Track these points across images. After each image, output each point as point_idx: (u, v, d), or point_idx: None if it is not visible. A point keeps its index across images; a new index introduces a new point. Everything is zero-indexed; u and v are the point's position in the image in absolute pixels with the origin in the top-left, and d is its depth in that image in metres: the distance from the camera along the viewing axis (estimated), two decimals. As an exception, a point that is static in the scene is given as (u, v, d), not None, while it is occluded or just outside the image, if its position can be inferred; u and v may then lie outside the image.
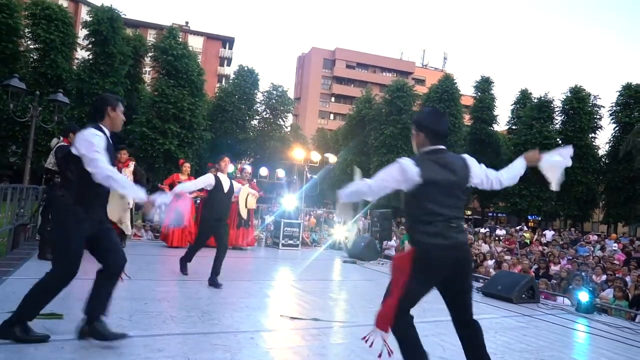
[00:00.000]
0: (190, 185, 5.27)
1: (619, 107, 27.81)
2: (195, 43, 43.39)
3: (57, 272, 2.81)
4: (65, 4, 28.22)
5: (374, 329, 2.22)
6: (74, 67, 24.37)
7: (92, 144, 2.70)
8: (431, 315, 4.44)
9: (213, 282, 4.97)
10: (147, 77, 31.41)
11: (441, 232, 2.20)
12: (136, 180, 7.59)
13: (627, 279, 8.48)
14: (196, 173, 18.72)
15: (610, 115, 28.34)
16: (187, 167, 8.59)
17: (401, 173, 2.24)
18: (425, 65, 59.20)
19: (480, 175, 2.43)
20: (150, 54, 27.60)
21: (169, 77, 25.39)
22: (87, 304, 2.84)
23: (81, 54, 25.72)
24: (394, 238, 12.09)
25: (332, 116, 53.87)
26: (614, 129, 28.20)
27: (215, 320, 3.61)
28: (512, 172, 2.57)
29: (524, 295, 5.46)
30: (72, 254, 2.82)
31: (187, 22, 51.43)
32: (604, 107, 29.35)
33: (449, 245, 2.20)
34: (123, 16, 24.36)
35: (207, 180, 5.21)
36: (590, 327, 4.52)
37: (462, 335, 2.35)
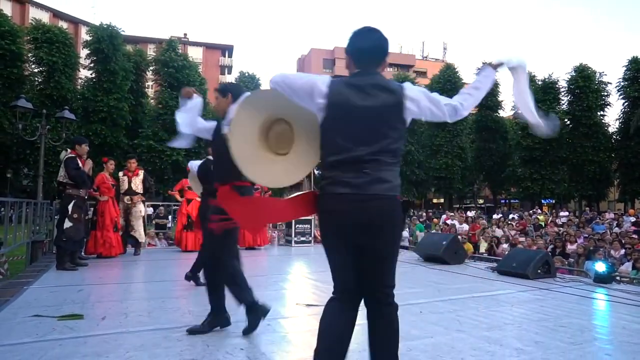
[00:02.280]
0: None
1: (626, 82, 27.43)
2: (194, 54, 43.74)
3: None
4: (65, 26, 28.65)
5: None
6: (78, 87, 24.79)
7: None
8: (446, 295, 4.47)
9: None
10: (150, 91, 31.77)
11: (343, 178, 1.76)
12: (145, 188, 7.73)
13: (646, 251, 8.38)
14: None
15: (618, 91, 27.97)
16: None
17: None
18: (426, 57, 58.96)
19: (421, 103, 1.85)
20: (151, 68, 27.97)
21: (171, 89, 25.68)
22: None
23: (84, 74, 26.12)
24: (407, 228, 12.07)
25: (336, 116, 53.82)
26: (623, 104, 27.86)
27: (232, 312, 3.64)
28: (476, 90, 1.99)
29: (539, 271, 5.42)
30: None
31: (185, 34, 51.89)
32: (610, 83, 29.02)
33: (351, 195, 1.74)
34: (122, 33, 24.69)
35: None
36: (609, 296, 4.48)
37: (368, 317, 1.91)
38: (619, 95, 27.94)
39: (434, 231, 13.40)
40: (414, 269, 6.27)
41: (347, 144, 1.76)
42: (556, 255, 9.13)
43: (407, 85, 1.86)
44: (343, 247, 1.83)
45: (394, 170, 1.81)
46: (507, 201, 37.24)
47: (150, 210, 15.51)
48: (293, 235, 9.13)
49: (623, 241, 9.70)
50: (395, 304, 1.90)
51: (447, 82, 30.49)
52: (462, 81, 31.45)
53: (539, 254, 5.70)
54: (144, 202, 7.89)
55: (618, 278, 5.88)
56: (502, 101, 31.95)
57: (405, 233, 11.57)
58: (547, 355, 2.63)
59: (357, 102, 1.75)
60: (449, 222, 14.26)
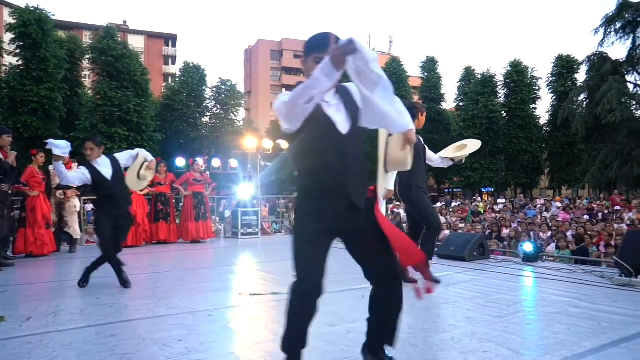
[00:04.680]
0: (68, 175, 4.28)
1: (554, 78, 29.41)
2: (135, 42, 41.65)
3: None
4: (-16, 7, 26.18)
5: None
6: (2, 75, 22.79)
7: None
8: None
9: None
10: (87, 81, 29.91)
11: None
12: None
13: (569, 233, 9.15)
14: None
15: (548, 85, 29.92)
16: (135, 164, 8.29)
17: None
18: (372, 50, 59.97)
19: None
20: (88, 56, 26.29)
21: (110, 79, 24.32)
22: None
23: (9, 60, 24.06)
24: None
25: (284, 108, 53.48)
26: (551, 98, 29.83)
27: (172, 305, 3.56)
28: None
29: (475, 253, 5.72)
30: None
31: (125, 22, 49.31)
32: (541, 78, 30.99)
33: None
34: (53, 17, 22.97)
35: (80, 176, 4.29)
36: (535, 273, 4.82)
37: None
38: (548, 90, 29.93)
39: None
40: (358, 256, 6.40)
41: None
42: (492, 239, 9.71)
43: None
44: None
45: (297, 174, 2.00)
46: (450, 190, 38.89)
47: (91, 206, 14.73)
48: (240, 227, 9.02)
49: (550, 224, 10.49)
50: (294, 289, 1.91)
51: (393, 75, 31.14)
52: (407, 74, 32.30)
53: (475, 237, 6.01)
54: (79, 196, 7.47)
55: (544, 257, 6.36)
56: (444, 94, 33.15)
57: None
58: (476, 329, 2.79)
59: None
60: (395, 210, 14.69)
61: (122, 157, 4.57)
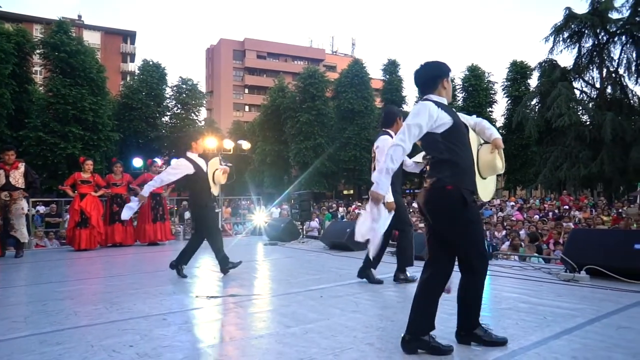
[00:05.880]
0: (164, 177, 4.64)
1: (509, 83, 30.69)
2: (91, 38, 39.99)
3: None
4: None
5: None
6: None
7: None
8: (347, 279, 4.66)
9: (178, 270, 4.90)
10: (38, 77, 28.44)
11: None
12: (28, 183, 6.92)
13: (522, 232, 9.57)
14: (105, 176, 17.34)
15: (503, 90, 31.18)
16: (89, 164, 7.96)
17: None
18: (335, 52, 60.32)
19: None
20: (38, 51, 24.98)
21: (64, 76, 23.22)
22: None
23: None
24: (316, 219, 12.32)
25: (247, 108, 53.01)
26: (506, 102, 31.11)
27: (125, 309, 3.44)
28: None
29: (432, 252, 5.86)
30: None
31: (79, 16, 47.25)
32: (497, 82, 32.25)
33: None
34: (-1, 9, 21.71)
35: (184, 168, 4.65)
36: (489, 270, 4.97)
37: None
38: (504, 94, 31.19)
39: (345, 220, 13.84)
40: (319, 257, 6.42)
41: None
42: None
43: None
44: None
45: (439, 166, 2.39)
46: (411, 191, 39.74)
47: (43, 208, 14.04)
48: (200, 229, 8.82)
49: (505, 224, 10.93)
50: (476, 271, 2.63)
51: (355, 77, 31.51)
52: (369, 76, 32.74)
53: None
54: (27, 198, 7.08)
55: (499, 256, 6.61)
56: (405, 96, 33.83)
57: (315, 223, 11.81)
58: (430, 326, 2.85)
59: None
60: (356, 211, 14.85)
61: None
